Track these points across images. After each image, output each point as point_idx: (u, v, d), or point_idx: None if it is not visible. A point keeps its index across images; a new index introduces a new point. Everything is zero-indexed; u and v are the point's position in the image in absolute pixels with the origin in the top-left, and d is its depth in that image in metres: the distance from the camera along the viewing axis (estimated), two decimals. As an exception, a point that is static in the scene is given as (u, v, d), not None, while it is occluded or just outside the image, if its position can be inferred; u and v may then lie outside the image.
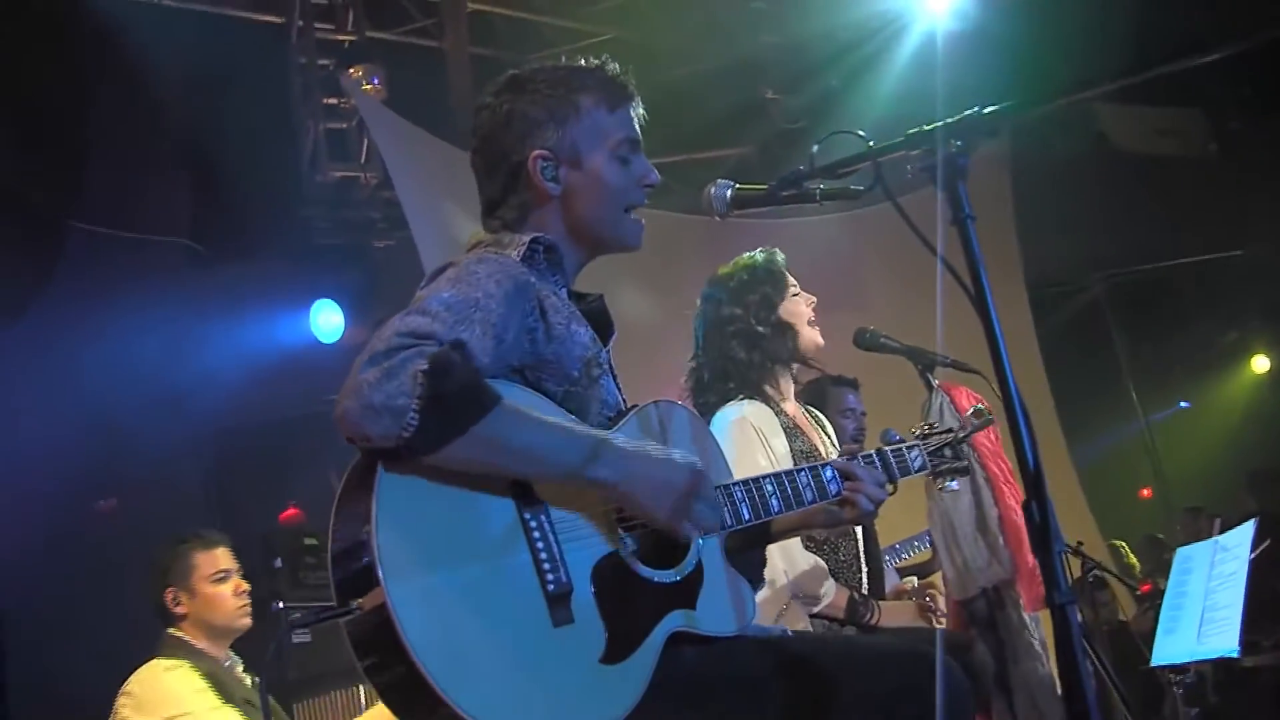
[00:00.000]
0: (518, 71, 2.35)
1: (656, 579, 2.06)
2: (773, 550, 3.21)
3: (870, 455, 2.50)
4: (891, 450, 2.56)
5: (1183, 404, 12.42)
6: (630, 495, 2.00)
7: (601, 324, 2.34)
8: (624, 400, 2.29)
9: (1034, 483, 1.55)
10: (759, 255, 3.63)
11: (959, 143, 1.71)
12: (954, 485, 2.73)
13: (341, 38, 7.77)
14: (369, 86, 7.38)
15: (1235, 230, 9.86)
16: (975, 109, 1.73)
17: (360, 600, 1.79)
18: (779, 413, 3.50)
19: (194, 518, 7.28)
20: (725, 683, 2.06)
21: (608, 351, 2.32)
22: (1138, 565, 10.20)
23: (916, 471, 2.61)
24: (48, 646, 6.17)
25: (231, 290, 7.54)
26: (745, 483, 2.27)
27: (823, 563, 3.41)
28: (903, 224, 1.82)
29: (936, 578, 4.03)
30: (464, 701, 1.74)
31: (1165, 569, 9.72)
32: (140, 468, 6.69)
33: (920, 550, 4.66)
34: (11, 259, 6.66)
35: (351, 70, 7.42)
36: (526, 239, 2.21)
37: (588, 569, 1.98)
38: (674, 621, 2.04)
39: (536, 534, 1.93)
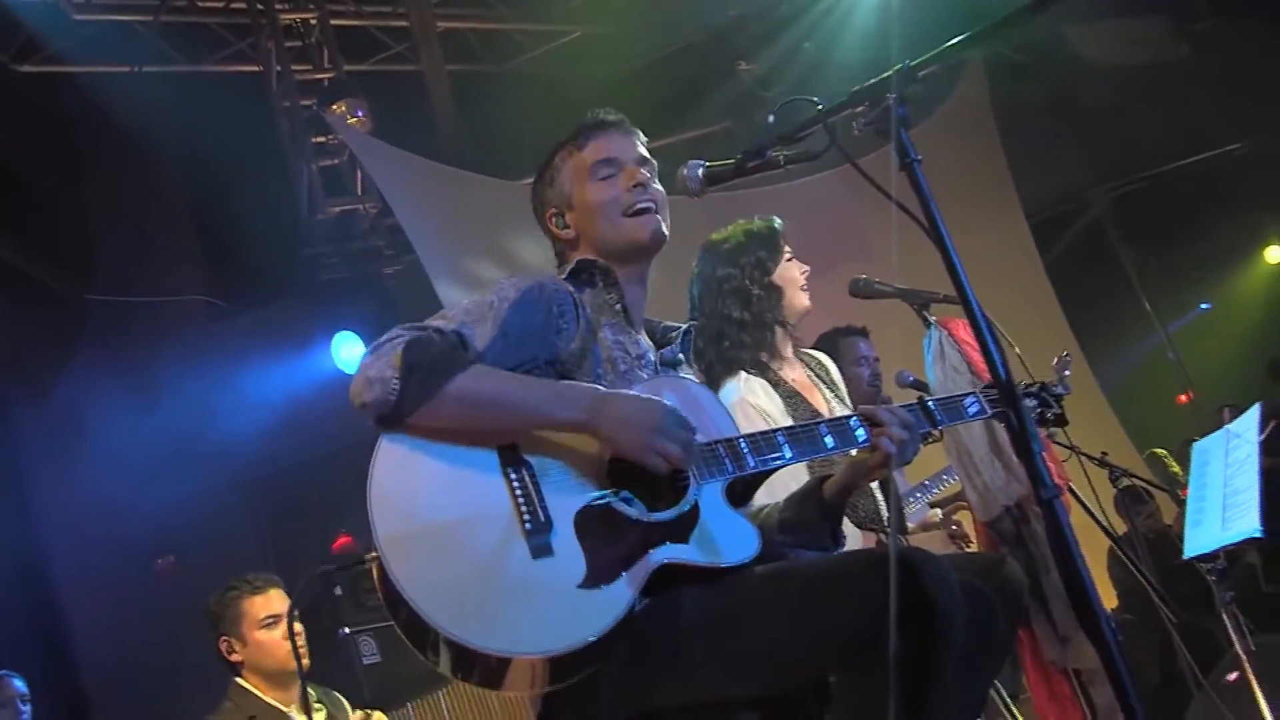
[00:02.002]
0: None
1: (647, 519, 2.21)
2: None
3: (911, 405, 2.52)
4: (936, 399, 2.58)
5: (1204, 305, 12.33)
6: (599, 433, 2.21)
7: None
8: None
9: (1007, 392, 1.68)
10: (757, 221, 3.69)
11: (893, 95, 1.84)
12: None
13: (320, 76, 7.93)
14: (354, 120, 7.52)
15: (1225, 127, 9.87)
16: (903, 64, 1.86)
17: (371, 554, 2.06)
18: (776, 382, 3.52)
19: (250, 564, 7.43)
20: (724, 615, 2.17)
21: (657, 358, 2.57)
22: (1181, 472, 10.19)
23: (973, 417, 2.61)
24: (127, 711, 6.36)
25: (253, 338, 7.69)
26: (754, 434, 2.40)
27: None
28: (899, 174, 1.95)
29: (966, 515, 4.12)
30: (443, 621, 1.98)
31: (1205, 471, 9.80)
32: (193, 523, 6.83)
33: (950, 482, 4.74)
34: (33, 341, 6.83)
35: (335, 106, 7.55)
36: (570, 266, 2.58)
37: (570, 512, 2.17)
38: (665, 554, 2.19)
39: (517, 484, 2.16)
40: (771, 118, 2.11)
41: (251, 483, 7.69)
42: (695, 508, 2.27)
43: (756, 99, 8.44)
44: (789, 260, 3.61)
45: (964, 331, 3.40)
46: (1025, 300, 9.13)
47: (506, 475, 2.17)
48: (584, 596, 2.09)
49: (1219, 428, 8.94)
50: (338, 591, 5.69)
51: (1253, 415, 3.80)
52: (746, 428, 3.32)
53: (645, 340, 2.61)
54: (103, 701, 6.56)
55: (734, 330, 3.53)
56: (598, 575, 2.11)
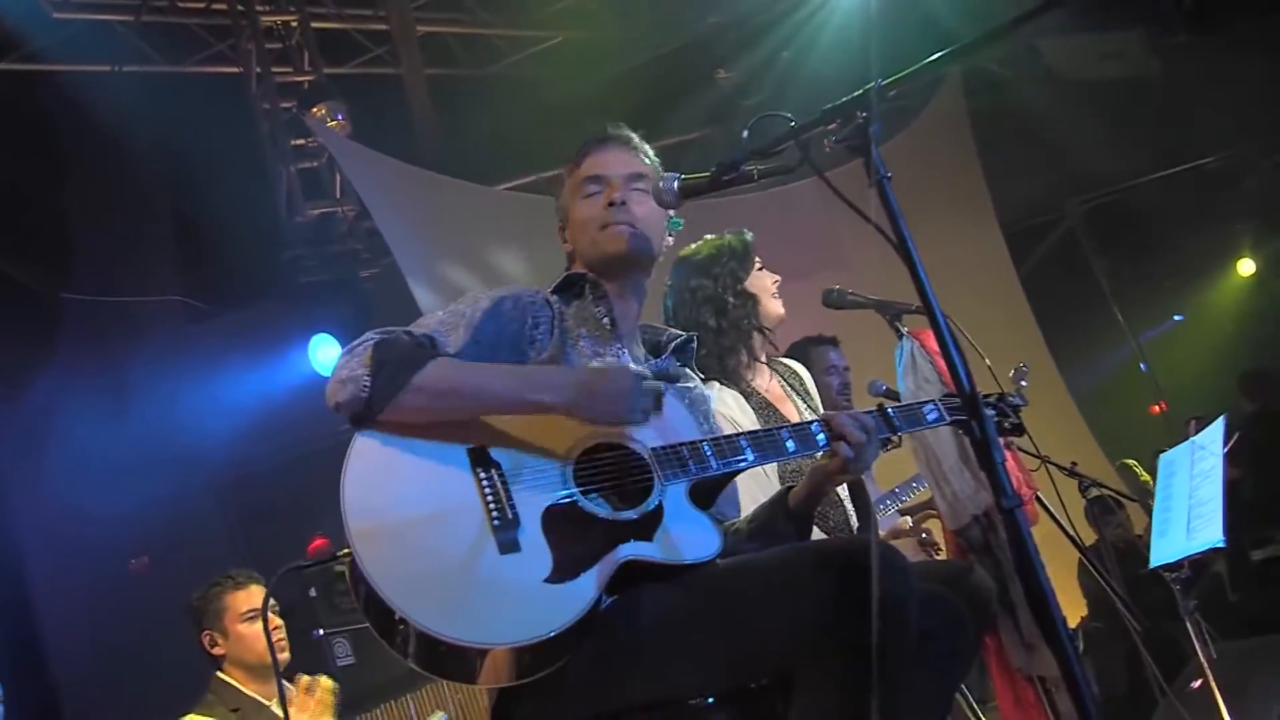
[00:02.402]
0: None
1: (612, 517, 2.28)
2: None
3: (871, 411, 2.56)
4: (897, 406, 2.63)
5: (1177, 317, 12.41)
6: (573, 410, 2.30)
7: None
8: None
9: (970, 402, 1.72)
10: (728, 235, 3.77)
11: (863, 114, 1.88)
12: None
13: (300, 79, 7.93)
14: (334, 123, 7.53)
15: (1197, 141, 9.96)
16: (874, 82, 1.90)
17: (345, 549, 2.13)
18: (749, 393, 3.59)
19: (223, 566, 7.42)
20: (681, 609, 2.22)
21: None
22: (1151, 482, 10.25)
23: (932, 424, 2.66)
24: (103, 710, 6.35)
25: (230, 339, 7.68)
26: (715, 438, 2.46)
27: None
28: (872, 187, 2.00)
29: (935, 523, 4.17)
30: (417, 616, 2.04)
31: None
32: (167, 523, 6.82)
33: (920, 490, 4.79)
34: (6, 340, 6.79)
35: (314, 109, 7.57)
36: (563, 274, 2.68)
37: (538, 510, 2.24)
38: (629, 550, 2.25)
39: (486, 483, 2.24)
40: (745, 133, 2.15)
41: (225, 484, 7.68)
42: (659, 508, 2.33)
43: (734, 107, 8.50)
44: (760, 270, 3.71)
45: (935, 343, 3.43)
46: (999, 310, 9.20)
47: (476, 474, 2.25)
48: (550, 591, 2.15)
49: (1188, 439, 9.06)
50: (312, 593, 5.71)
51: (1217, 427, 3.87)
52: None
53: (638, 350, 2.70)
54: (75, 701, 6.54)
55: (710, 338, 3.60)
56: (563, 571, 2.18)
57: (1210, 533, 3.61)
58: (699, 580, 2.26)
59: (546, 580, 2.16)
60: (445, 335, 2.36)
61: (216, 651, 3.87)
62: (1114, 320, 10.88)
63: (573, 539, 2.23)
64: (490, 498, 2.22)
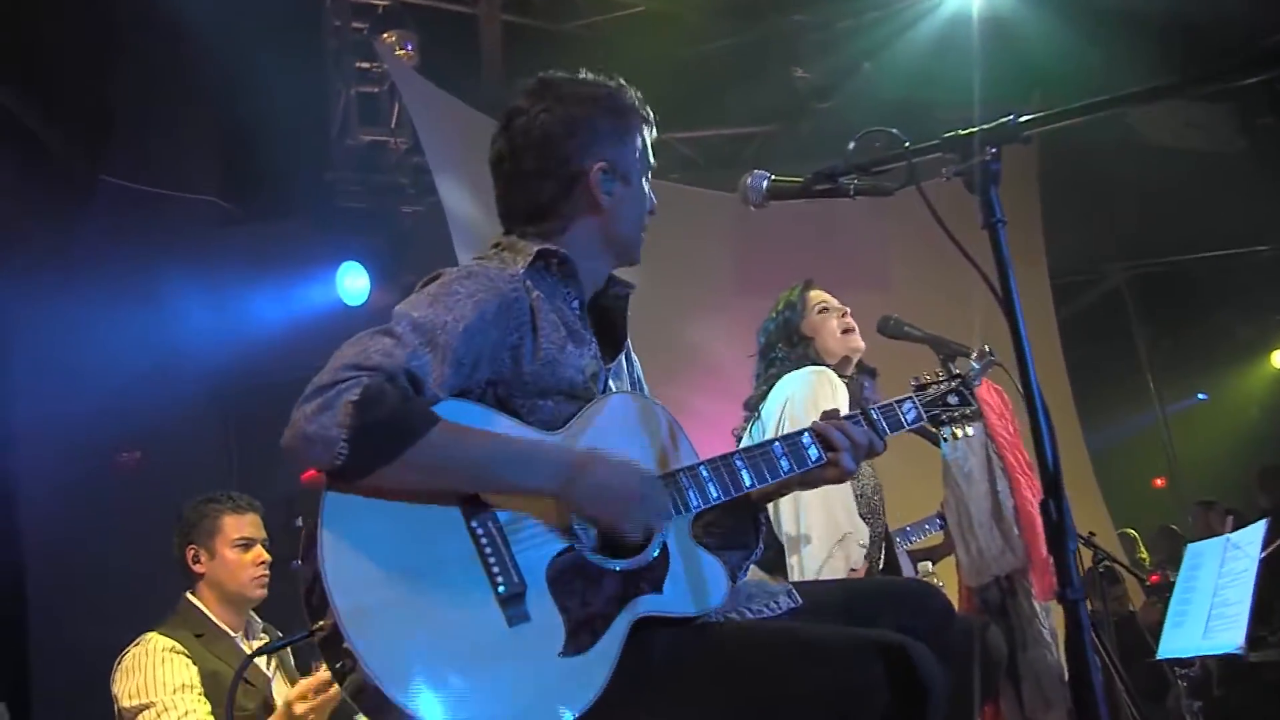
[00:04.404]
0: (548, 78, 2.41)
1: (618, 567, 2.09)
2: (838, 509, 3.44)
3: (854, 415, 2.50)
4: (879, 407, 2.57)
5: (1201, 396, 12.38)
6: (572, 501, 2.05)
7: (612, 333, 2.42)
8: None
9: (1053, 482, 1.59)
10: (793, 291, 4.12)
11: (993, 150, 1.75)
12: (971, 431, 2.73)
13: (376, 2, 7.78)
14: (402, 52, 7.39)
15: (1259, 226, 9.83)
16: (1011, 116, 1.76)
17: (321, 622, 1.88)
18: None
19: (215, 474, 7.33)
20: (694, 664, 2.08)
21: (609, 371, 2.37)
22: (1148, 557, 10.21)
23: (912, 424, 2.61)
24: (69, 599, 6.26)
25: (258, 250, 7.58)
26: (712, 462, 2.29)
27: (867, 529, 3.52)
28: (926, 208, 1.88)
29: (946, 565, 4.08)
30: (424, 710, 1.82)
31: (1177, 562, 9.81)
32: (163, 423, 6.73)
33: (931, 533, 4.71)
34: (40, 210, 6.70)
35: (385, 35, 7.41)
36: (534, 250, 2.27)
37: (542, 567, 2.02)
38: (642, 606, 2.08)
39: (484, 540, 1.99)
40: (852, 145, 2.01)
41: (229, 394, 7.59)
42: (665, 550, 2.17)
43: (805, 108, 8.33)
44: (821, 312, 3.98)
45: (985, 392, 3.33)
46: (1032, 354, 9.06)
47: (471, 529, 2.00)
48: (566, 668, 1.96)
49: (1200, 524, 8.95)
50: (298, 523, 5.59)
51: (1258, 530, 3.74)
52: (822, 392, 3.61)
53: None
54: (43, 585, 6.45)
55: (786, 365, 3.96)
56: (577, 639, 1.99)
57: (1230, 637, 3.49)
58: (716, 641, 2.11)
59: (561, 654, 1.96)
60: (424, 359, 2.02)
61: (198, 569, 3.73)
62: (1144, 386, 10.78)
63: (580, 596, 2.03)
64: (492, 558, 1.98)
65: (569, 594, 2.01)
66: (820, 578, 3.33)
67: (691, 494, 2.22)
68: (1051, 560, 1.64)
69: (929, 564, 3.68)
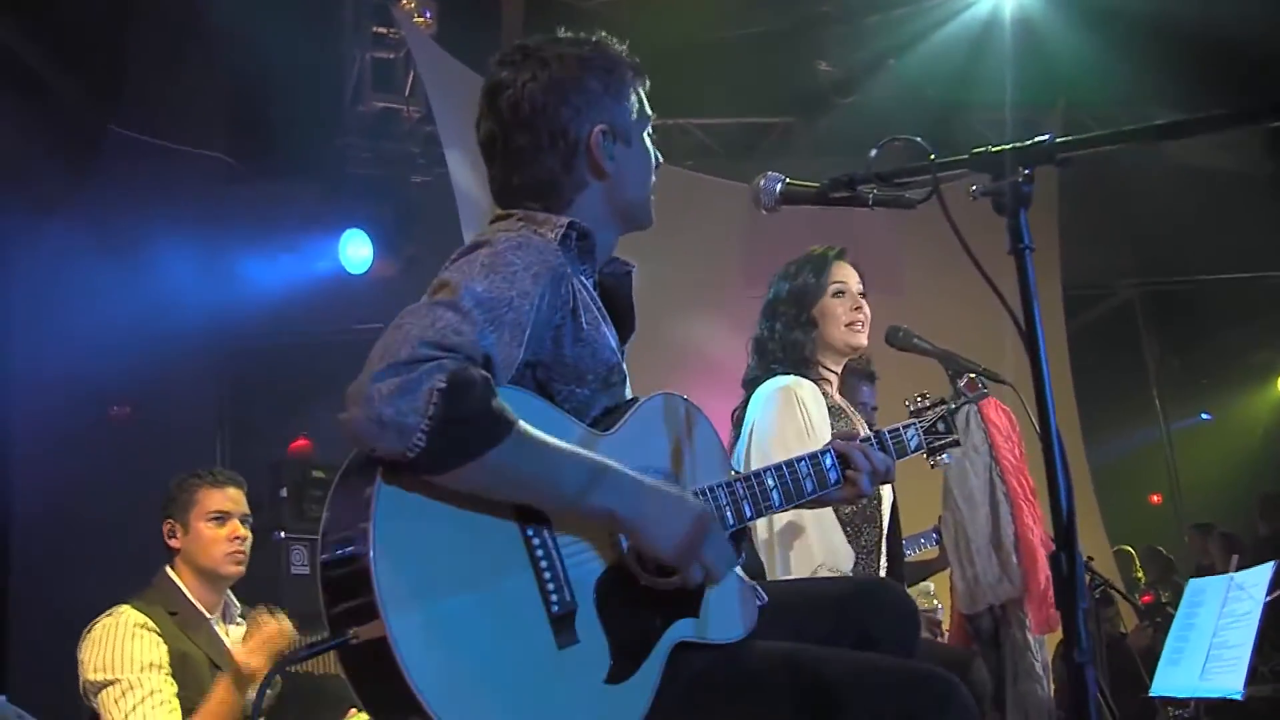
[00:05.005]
0: (525, 44, 2.22)
1: (660, 585, 1.97)
2: (810, 529, 3.29)
3: (869, 437, 2.51)
4: (889, 431, 2.58)
5: (1205, 415, 12.32)
6: (636, 528, 1.90)
7: (622, 311, 2.29)
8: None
9: (1065, 533, 1.48)
10: (824, 250, 3.72)
11: (1026, 170, 1.63)
12: (947, 459, 2.75)
13: (397, -35, 7.66)
14: (421, 20, 7.29)
15: (1269, 252, 9.71)
16: (1048, 136, 1.64)
17: (357, 630, 1.69)
18: (825, 394, 3.54)
19: (205, 434, 7.30)
20: (730, 690, 2.00)
21: (624, 350, 2.25)
22: (1144, 576, 10.13)
23: (913, 451, 2.64)
24: (53, 549, 6.19)
25: (262, 210, 7.53)
26: (747, 478, 2.21)
27: (853, 552, 3.39)
28: (943, 214, 1.78)
29: (941, 579, 3.98)
30: None
31: (1166, 582, 9.75)
32: (156, 379, 6.67)
33: (926, 547, 4.61)
34: (46, 157, 6.62)
35: (404, 1, 7.31)
36: (564, 222, 2.10)
37: (591, 585, 1.91)
38: (680, 631, 1.98)
39: (540, 553, 1.85)
40: (874, 152, 1.89)
41: (224, 353, 7.55)
42: None
43: (826, 102, 8.20)
44: (837, 295, 3.59)
45: (993, 412, 3.22)
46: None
47: (527, 539, 1.85)
48: (610, 696, 1.85)
49: (1196, 547, 8.85)
50: (283, 494, 5.54)
51: (1264, 571, 3.62)
52: (785, 416, 3.36)
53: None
54: (26, 540, 6.38)
55: (788, 349, 3.60)
56: (621, 666, 1.87)
57: (1229, 681, 3.39)
58: (752, 663, 2.04)
59: (606, 681, 1.85)
60: (493, 337, 1.84)
61: (174, 544, 3.62)
62: (1149, 402, 10.69)
63: (626, 618, 1.91)
64: (547, 573, 1.84)
65: (614, 615, 1.90)
66: None
67: (729, 512, 2.14)
68: (1058, 612, 1.52)
69: (929, 585, 3.54)
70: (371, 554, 1.68)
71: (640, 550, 1.94)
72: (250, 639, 3.29)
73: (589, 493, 1.85)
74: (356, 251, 7.40)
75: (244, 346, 7.50)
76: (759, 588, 2.25)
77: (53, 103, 6.72)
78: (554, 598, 1.82)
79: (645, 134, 2.26)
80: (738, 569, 2.21)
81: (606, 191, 2.19)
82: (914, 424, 2.61)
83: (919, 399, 2.76)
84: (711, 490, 2.13)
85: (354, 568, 1.70)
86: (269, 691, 3.24)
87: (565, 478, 1.84)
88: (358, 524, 1.72)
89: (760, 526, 3.37)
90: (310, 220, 7.51)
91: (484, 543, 1.81)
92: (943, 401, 2.76)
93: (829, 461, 2.36)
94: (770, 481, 2.23)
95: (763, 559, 3.32)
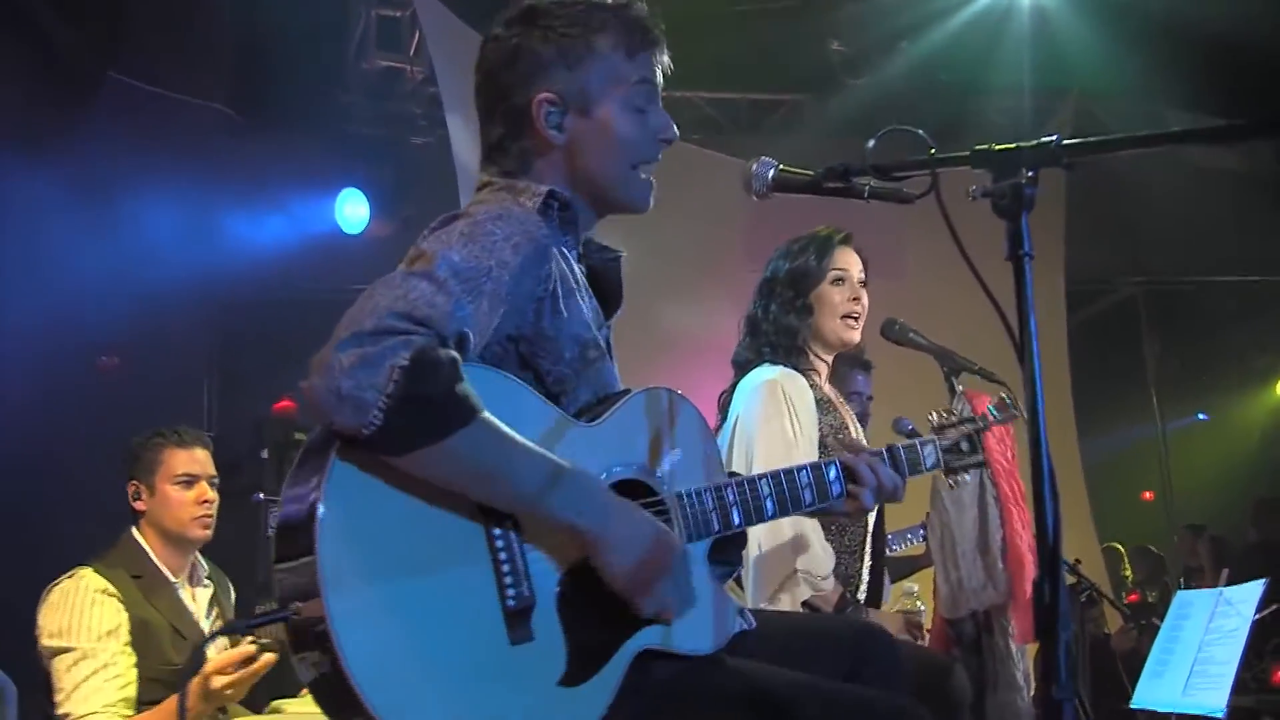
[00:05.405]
0: (535, 3, 2.13)
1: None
2: (787, 530, 3.18)
3: (880, 452, 2.39)
4: (904, 446, 2.46)
5: (1201, 416, 12.28)
6: (597, 545, 1.80)
7: (610, 291, 2.20)
8: (618, 382, 2.13)
9: (1050, 560, 1.39)
10: (830, 231, 3.59)
11: (1030, 173, 1.53)
12: (968, 478, 2.65)
13: (406, -79, 7.55)
14: (427, -24, 7.17)
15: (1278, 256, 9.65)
16: (1055, 137, 1.55)
17: (300, 605, 1.64)
18: (814, 385, 3.44)
19: (192, 387, 7.24)
20: (692, 705, 1.92)
21: (609, 327, 2.16)
22: (1131, 574, 10.11)
23: (929, 469, 2.53)
24: (32, 496, 6.13)
25: (260, 164, 7.44)
26: (740, 483, 2.11)
27: (832, 553, 3.31)
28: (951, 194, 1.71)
29: (925, 577, 3.91)
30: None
31: (1155, 582, 9.71)
32: (146, 330, 6.61)
33: (914, 543, 4.55)
34: (43, 100, 6.52)
35: (410, -43, 7.21)
36: (543, 190, 2.02)
37: (554, 580, 1.82)
38: (645, 639, 1.89)
39: (500, 542, 1.76)
40: (871, 143, 1.80)
41: (215, 307, 7.50)
42: None
43: (836, 81, 8.09)
44: (836, 282, 3.49)
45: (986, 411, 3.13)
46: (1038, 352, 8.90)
47: (488, 526, 1.76)
48: (562, 699, 1.76)
49: (1186, 549, 8.80)
50: (264, 455, 5.47)
51: (1254, 589, 3.54)
52: (771, 410, 3.26)
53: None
54: (6, 481, 6.31)
55: (779, 332, 3.50)
56: (577, 668, 1.78)
57: (1212, 699, 3.32)
58: (725, 681, 1.95)
59: (560, 683, 1.75)
60: (468, 308, 1.76)
61: (139, 506, 3.53)
62: (1147, 400, 10.63)
63: (587, 618, 1.81)
64: (505, 564, 1.74)
65: (576, 616, 1.81)
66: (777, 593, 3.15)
67: (715, 518, 2.05)
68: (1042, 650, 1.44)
69: (914, 586, 3.46)
70: (317, 530, 1.62)
71: (600, 573, 1.83)
72: (238, 669, 3.06)
73: (547, 496, 1.76)
74: (353, 211, 7.34)
75: (235, 301, 7.44)
76: (746, 611, 2.16)
77: (50, 47, 6.62)
78: (510, 591, 1.74)
79: (620, 101, 2.11)
80: (712, 581, 2.12)
81: (560, 163, 2.10)
82: (933, 440, 2.51)
83: (944, 413, 2.65)
84: (698, 494, 2.04)
85: (299, 542, 1.64)
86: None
87: (523, 476, 1.75)
88: (308, 497, 1.65)
89: None
90: (308, 177, 7.44)
91: (440, 529, 1.73)
92: (971, 419, 2.64)
93: (833, 474, 2.27)
94: (765, 489, 2.14)
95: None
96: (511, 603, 1.74)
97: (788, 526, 3.17)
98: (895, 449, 2.43)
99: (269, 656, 3.09)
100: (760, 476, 2.16)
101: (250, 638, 3.08)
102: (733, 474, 2.22)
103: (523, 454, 1.75)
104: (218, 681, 3.02)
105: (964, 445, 2.59)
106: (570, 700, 1.76)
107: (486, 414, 1.71)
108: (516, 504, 1.77)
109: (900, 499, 2.40)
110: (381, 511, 1.69)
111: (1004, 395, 2.85)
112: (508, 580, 1.74)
